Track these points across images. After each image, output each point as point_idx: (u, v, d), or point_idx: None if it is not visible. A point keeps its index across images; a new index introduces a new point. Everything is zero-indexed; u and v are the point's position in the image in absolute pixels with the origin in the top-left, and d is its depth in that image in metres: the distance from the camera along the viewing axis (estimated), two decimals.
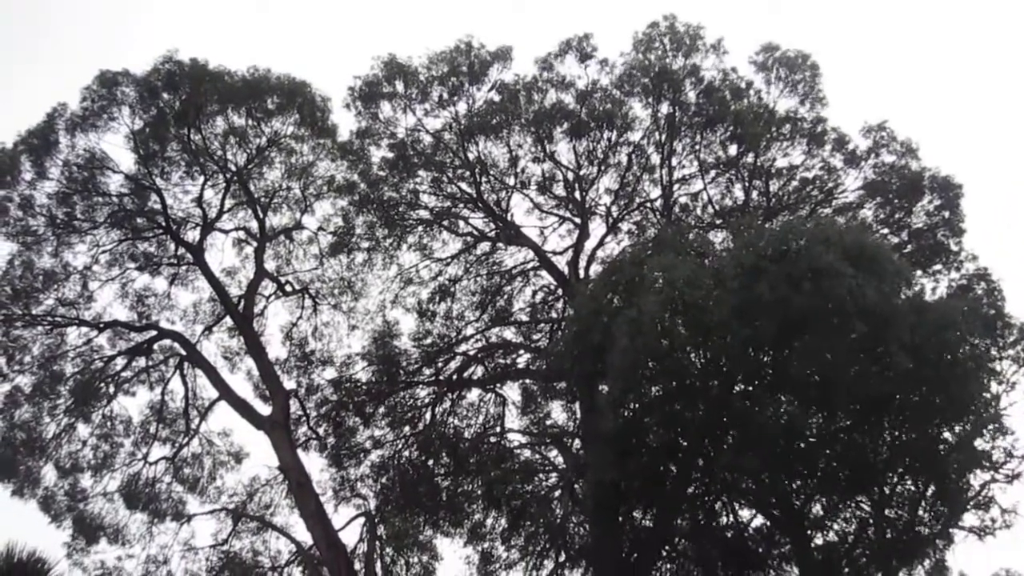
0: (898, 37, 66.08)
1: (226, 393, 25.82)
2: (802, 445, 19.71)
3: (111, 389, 26.69)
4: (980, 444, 19.97)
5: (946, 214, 23.74)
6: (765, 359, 18.81)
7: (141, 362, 27.01)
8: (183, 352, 26.81)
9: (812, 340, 17.39)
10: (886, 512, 20.97)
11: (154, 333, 26.89)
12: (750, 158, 25.28)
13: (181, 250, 26.60)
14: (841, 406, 18.93)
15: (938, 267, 23.56)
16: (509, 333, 28.29)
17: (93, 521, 26.16)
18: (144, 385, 27.27)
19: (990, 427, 19.66)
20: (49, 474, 26.10)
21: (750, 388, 19.53)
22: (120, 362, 26.75)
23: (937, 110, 59.06)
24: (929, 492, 20.42)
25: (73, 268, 25.58)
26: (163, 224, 25.99)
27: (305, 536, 24.84)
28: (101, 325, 26.13)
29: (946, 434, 19.36)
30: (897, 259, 18.25)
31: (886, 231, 24.12)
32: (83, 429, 26.54)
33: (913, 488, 20.62)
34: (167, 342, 27.11)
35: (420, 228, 27.49)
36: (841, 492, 20.59)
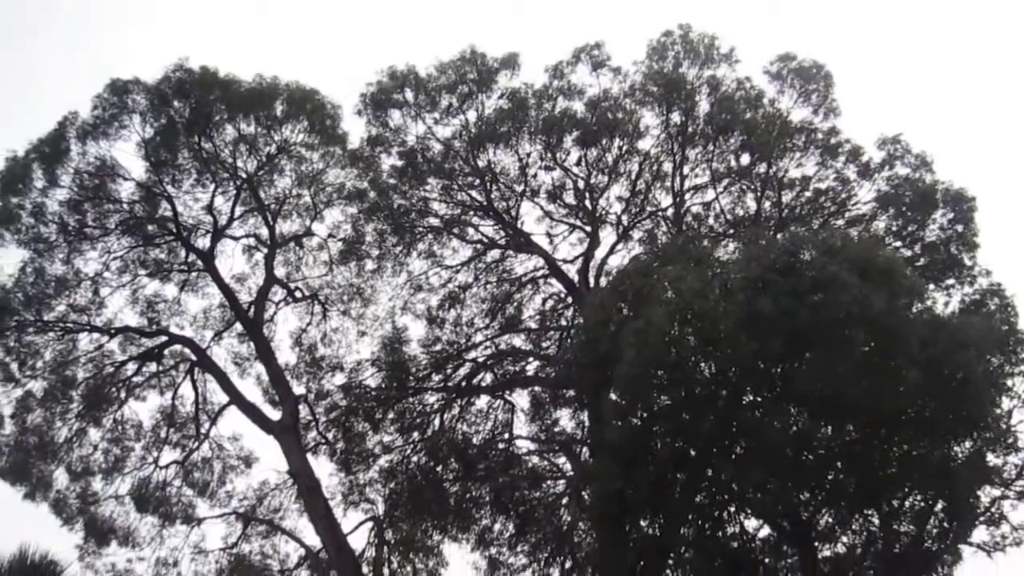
0: (913, 47, 65.33)
1: (236, 398, 25.73)
2: (810, 457, 19.49)
3: (122, 394, 26.61)
4: (991, 460, 19.71)
5: (959, 228, 23.30)
6: (774, 371, 18.51)
7: (152, 367, 26.92)
8: (193, 357, 26.70)
9: (820, 353, 17.09)
10: (894, 526, 20.73)
11: (164, 339, 26.78)
12: (762, 168, 24.99)
13: (192, 257, 26.44)
14: (852, 419, 18.70)
15: (951, 281, 23.14)
16: (518, 340, 28.13)
17: (104, 524, 26.15)
18: (155, 390, 27.23)
19: (1001, 443, 19.38)
20: (61, 477, 26.11)
21: (759, 399, 19.32)
22: (131, 367, 26.66)
23: (951, 122, 58.48)
24: (938, 507, 20.16)
25: (84, 274, 25.43)
26: (174, 231, 25.87)
27: (314, 540, 24.95)
28: (112, 331, 26.03)
29: (956, 449, 19.06)
30: (910, 273, 17.89)
31: (899, 244, 23.75)
32: (94, 433, 26.54)
33: (922, 503, 20.34)
34: (177, 347, 27.01)
35: (430, 236, 27.32)
36: (849, 505, 20.36)
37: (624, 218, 26.37)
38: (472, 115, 25.31)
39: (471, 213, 26.93)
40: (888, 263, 17.43)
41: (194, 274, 26.97)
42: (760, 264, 17.35)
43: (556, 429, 26.78)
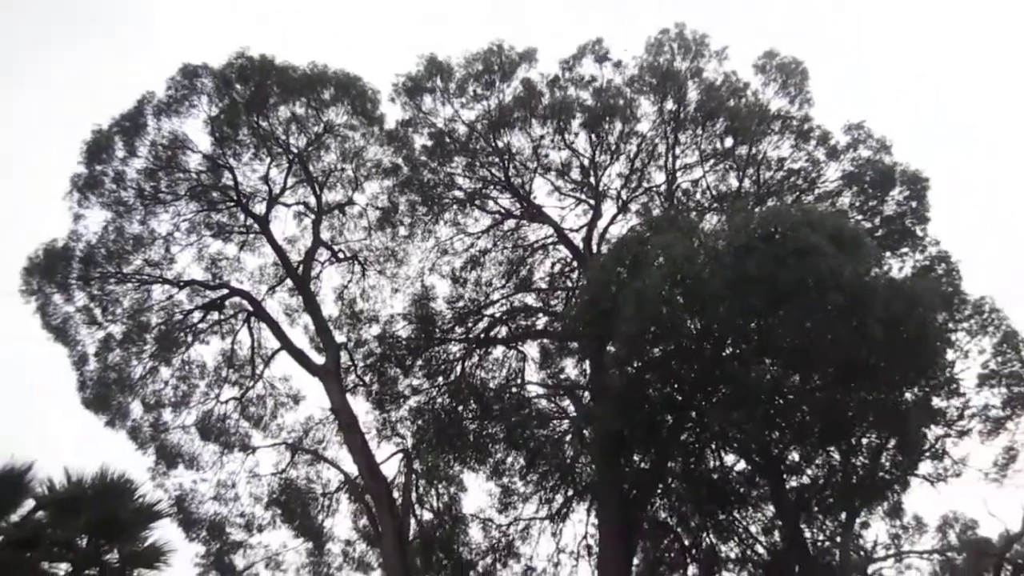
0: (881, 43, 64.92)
1: (286, 344, 25.80)
2: (782, 401, 19.86)
3: (189, 338, 26.84)
4: (937, 403, 20.12)
5: (914, 204, 23.51)
6: (753, 326, 18.85)
7: (214, 316, 27.10)
8: (250, 308, 26.87)
9: (794, 310, 17.38)
10: (852, 460, 21.15)
11: (226, 291, 26.94)
12: (744, 150, 25.20)
13: (249, 221, 26.53)
14: (818, 368, 19.02)
15: (905, 250, 23.36)
16: (530, 299, 28.25)
17: (173, 450, 26.50)
18: (217, 335, 27.41)
19: (946, 389, 19.78)
20: (136, 409, 26.37)
21: (739, 351, 19.63)
22: (197, 315, 26.85)
23: (909, 110, 58.39)
24: (890, 444, 20.59)
25: (158, 234, 25.58)
26: (235, 198, 26.00)
27: (352, 468, 25.11)
28: (181, 283, 26.18)
29: (907, 394, 19.44)
30: (870, 242, 18.19)
31: (860, 217, 23.97)
32: (165, 371, 26.77)
33: (877, 440, 20.77)
34: (237, 299, 27.13)
35: (455, 206, 27.42)
36: (814, 442, 20.74)
37: (623, 193, 26.57)
38: (494, 101, 25.41)
39: (491, 187, 27.06)
40: (855, 234, 17.71)
41: (251, 236, 27.00)
42: (746, 233, 17.64)
43: (562, 376, 27.23)
